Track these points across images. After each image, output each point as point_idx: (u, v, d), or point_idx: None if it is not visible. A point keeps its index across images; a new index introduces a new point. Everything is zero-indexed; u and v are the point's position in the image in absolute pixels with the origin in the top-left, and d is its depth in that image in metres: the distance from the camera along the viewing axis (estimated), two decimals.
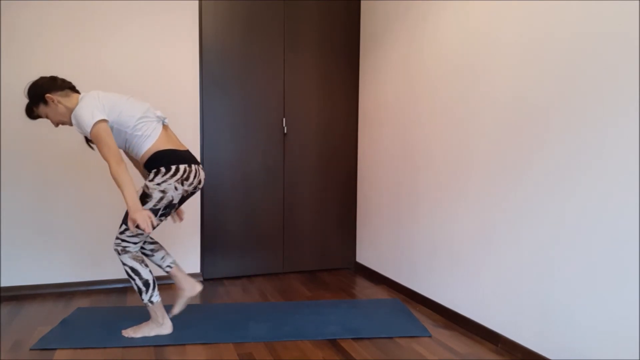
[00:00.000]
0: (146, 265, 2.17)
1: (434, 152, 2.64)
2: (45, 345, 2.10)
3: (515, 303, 2.09)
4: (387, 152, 3.12)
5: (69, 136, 2.87)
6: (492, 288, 2.22)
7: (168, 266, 2.31)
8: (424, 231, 2.74)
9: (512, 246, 2.10)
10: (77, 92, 2.15)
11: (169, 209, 2.14)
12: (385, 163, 3.15)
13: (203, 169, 2.23)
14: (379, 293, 2.98)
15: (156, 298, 2.18)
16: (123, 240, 2.12)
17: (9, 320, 2.43)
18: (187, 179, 2.12)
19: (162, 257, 2.31)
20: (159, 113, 2.18)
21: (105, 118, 2.01)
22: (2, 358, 1.99)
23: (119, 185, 1.98)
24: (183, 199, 2.19)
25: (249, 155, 3.27)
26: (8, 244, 2.80)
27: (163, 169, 2.08)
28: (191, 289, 2.32)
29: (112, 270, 3.01)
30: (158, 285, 3.08)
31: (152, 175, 2.08)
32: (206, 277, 3.23)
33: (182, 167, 2.10)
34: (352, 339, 2.23)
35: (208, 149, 3.16)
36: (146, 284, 2.15)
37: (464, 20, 2.39)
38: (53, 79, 2.09)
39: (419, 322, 2.44)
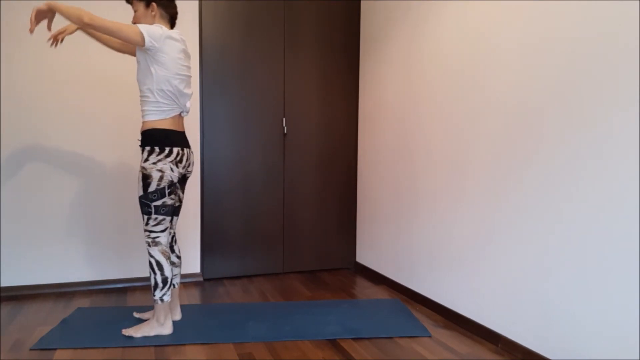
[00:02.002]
0: (170, 264, 2.22)
1: (433, 153, 2.64)
2: (45, 345, 2.10)
3: (515, 303, 2.09)
4: (387, 152, 3.12)
5: (70, 136, 2.87)
6: (492, 288, 2.22)
7: (173, 284, 2.37)
8: (424, 231, 2.74)
9: (512, 246, 2.10)
10: (172, 26, 2.25)
11: (173, 188, 2.19)
12: (385, 163, 3.15)
13: (192, 152, 2.37)
14: (379, 293, 2.98)
15: (167, 297, 2.21)
16: (151, 232, 2.16)
17: (9, 320, 2.43)
18: (180, 161, 2.19)
19: (175, 275, 2.37)
20: (188, 105, 2.25)
21: (147, 42, 2.02)
22: (2, 358, 1.99)
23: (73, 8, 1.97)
24: (180, 182, 2.29)
25: (249, 155, 3.27)
26: (8, 244, 2.80)
27: (157, 149, 2.12)
28: (173, 315, 2.41)
29: (112, 270, 3.01)
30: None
31: (146, 155, 2.12)
32: (206, 277, 3.23)
33: (175, 149, 2.16)
34: (352, 339, 2.23)
35: (208, 149, 3.16)
36: (164, 281, 2.18)
37: (463, 21, 2.39)
38: (172, 0, 2.23)
39: (419, 322, 2.44)
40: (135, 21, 2.18)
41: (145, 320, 2.35)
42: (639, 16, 1.57)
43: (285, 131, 3.35)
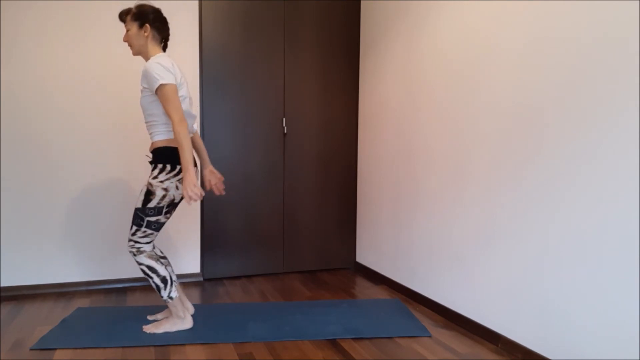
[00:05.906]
0: (162, 263, 2.22)
1: (433, 152, 2.64)
2: (45, 345, 2.10)
3: (515, 303, 2.09)
4: (387, 152, 3.12)
5: (69, 136, 2.87)
6: (492, 288, 2.22)
7: (173, 280, 2.35)
8: (423, 231, 2.74)
9: (512, 246, 2.10)
10: (164, 49, 2.23)
11: (171, 208, 2.19)
12: (385, 163, 3.15)
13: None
14: (379, 293, 2.98)
15: (175, 294, 2.22)
16: (136, 242, 2.17)
17: (9, 320, 2.43)
18: None
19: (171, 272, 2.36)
20: (195, 127, 2.28)
21: (174, 83, 2.04)
22: (2, 358, 1.99)
23: (179, 144, 2.00)
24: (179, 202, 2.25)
25: (249, 155, 3.27)
26: (8, 244, 2.80)
27: (169, 167, 2.12)
28: (188, 309, 2.43)
29: (112, 270, 3.01)
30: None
31: (156, 172, 2.12)
32: (206, 277, 3.23)
33: None
34: (352, 339, 2.23)
35: (208, 149, 3.15)
36: (164, 280, 2.19)
37: (463, 21, 2.39)
38: (166, 21, 2.20)
39: (419, 322, 2.44)
40: (127, 39, 2.16)
41: (161, 320, 2.34)
42: (639, 17, 1.57)
43: (285, 131, 3.35)
